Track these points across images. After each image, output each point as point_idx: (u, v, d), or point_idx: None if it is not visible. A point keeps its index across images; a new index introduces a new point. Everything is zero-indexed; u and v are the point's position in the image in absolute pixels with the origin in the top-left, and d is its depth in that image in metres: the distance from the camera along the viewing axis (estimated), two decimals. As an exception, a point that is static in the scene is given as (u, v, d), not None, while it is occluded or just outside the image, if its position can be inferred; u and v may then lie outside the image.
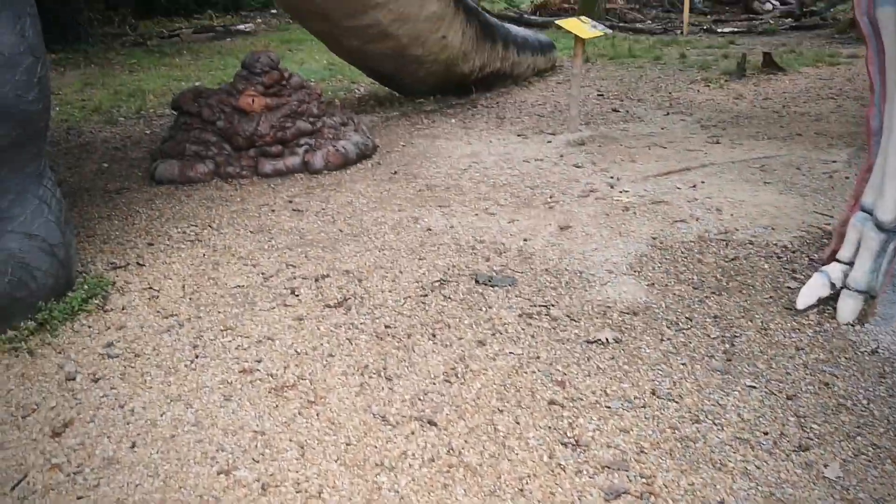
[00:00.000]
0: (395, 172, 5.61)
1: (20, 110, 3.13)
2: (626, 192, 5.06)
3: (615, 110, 7.80)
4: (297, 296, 3.61)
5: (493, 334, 3.22)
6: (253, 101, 5.62)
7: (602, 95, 8.66)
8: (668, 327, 3.24)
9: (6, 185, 3.15)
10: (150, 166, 5.62)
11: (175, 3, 17.61)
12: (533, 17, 16.98)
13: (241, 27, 15.74)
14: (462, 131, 6.90)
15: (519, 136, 6.76)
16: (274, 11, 18.72)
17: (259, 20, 17.61)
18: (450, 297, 3.56)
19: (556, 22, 6.66)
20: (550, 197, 5.00)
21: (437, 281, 3.75)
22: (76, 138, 6.67)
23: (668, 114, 7.53)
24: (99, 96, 8.84)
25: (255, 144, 5.56)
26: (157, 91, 9.18)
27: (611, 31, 7.06)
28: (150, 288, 3.71)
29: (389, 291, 3.65)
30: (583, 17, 6.66)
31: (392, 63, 7.82)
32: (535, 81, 9.67)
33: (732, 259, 3.91)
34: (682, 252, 4.03)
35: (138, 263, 4.00)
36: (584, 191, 5.11)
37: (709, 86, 8.96)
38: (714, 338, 3.15)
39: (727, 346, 3.08)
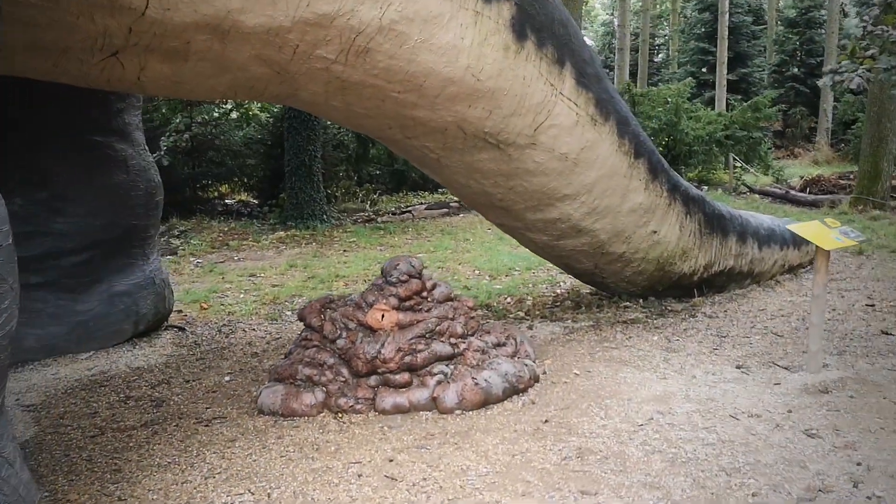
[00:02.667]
0: (546, 421, 4.23)
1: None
2: (881, 499, 3.24)
3: (887, 333, 5.81)
4: None
5: None
6: (383, 316, 4.63)
7: (873, 307, 6.66)
8: None
9: None
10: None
11: (425, 178, 17.95)
12: (800, 195, 14.93)
13: (477, 203, 15.41)
14: (661, 356, 5.36)
15: (738, 367, 5.09)
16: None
17: (500, 195, 17.33)
18: None
19: (790, 227, 5.05)
20: (753, 495, 3.32)
21: None
22: (223, 338, 6.10)
23: (966, 343, 5.43)
24: (293, 282, 8.49)
25: (378, 371, 4.51)
26: (350, 276, 8.66)
27: (864, 237, 5.28)
28: None
29: None
30: (829, 220, 4.99)
31: (590, 261, 6.57)
32: (785, 281, 7.85)
33: None
34: None
35: (137, 557, 2.98)
36: (809, 488, 3.36)
37: None
38: None
39: None
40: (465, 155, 5.54)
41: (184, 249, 10.62)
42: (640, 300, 6.95)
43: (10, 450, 2.71)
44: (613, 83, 27.77)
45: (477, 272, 8.91)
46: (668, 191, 6.39)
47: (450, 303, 4.89)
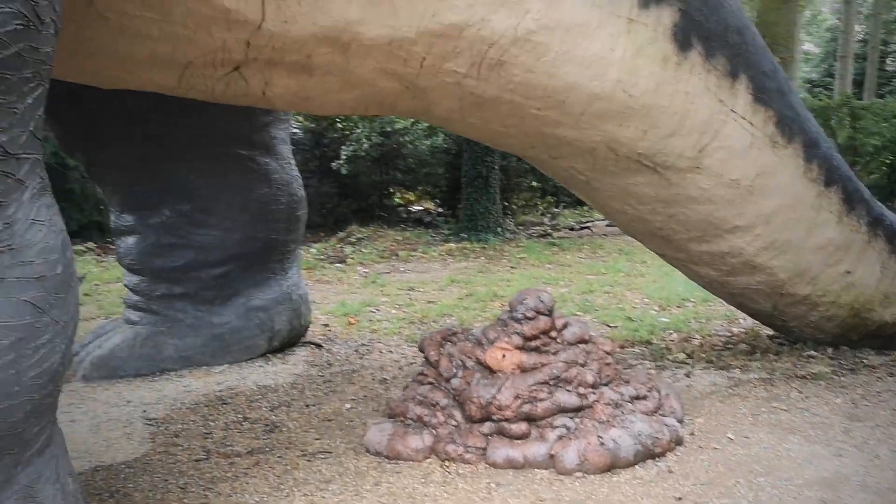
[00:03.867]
0: (681, 499, 3.58)
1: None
2: None
3: None
4: None
5: None
6: (503, 356, 4.19)
7: None
8: None
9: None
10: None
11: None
12: None
13: (663, 221, 14.48)
14: (841, 424, 4.49)
15: (940, 452, 4.13)
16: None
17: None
18: None
19: None
20: None
21: None
22: (358, 359, 5.90)
23: None
24: (448, 299, 8.23)
25: (492, 417, 4.07)
26: (508, 297, 8.22)
27: None
28: None
29: None
30: None
31: (767, 301, 5.73)
32: None
33: None
34: None
35: None
36: None
37: None
38: None
39: None
40: (618, 178, 4.97)
41: (353, 258, 10.72)
42: (829, 349, 5.98)
43: (50, 493, 2.54)
44: (834, 93, 25.23)
45: (646, 301, 8.21)
46: (868, 225, 5.44)
47: (582, 345, 4.35)
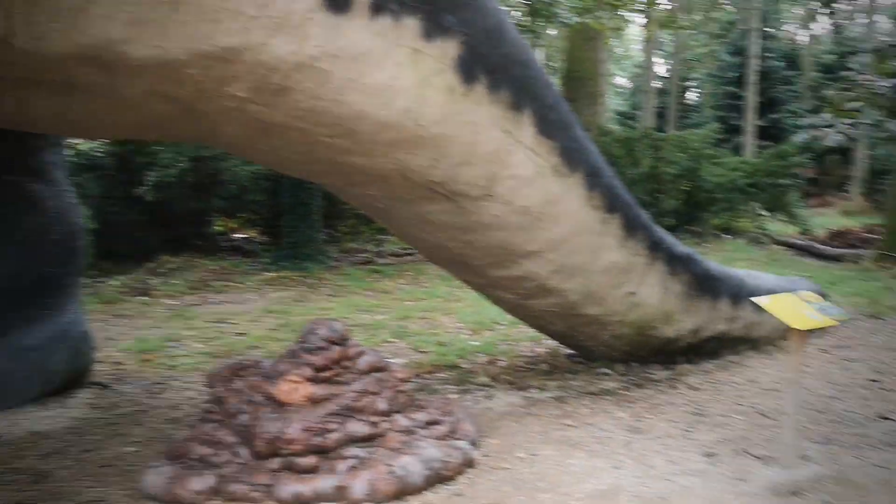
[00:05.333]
0: (465, 522, 3.63)
1: None
2: None
3: (885, 418, 5.10)
4: None
5: None
6: (293, 388, 4.08)
7: (877, 382, 5.94)
8: None
9: None
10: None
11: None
12: (824, 248, 14.12)
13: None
14: (623, 438, 4.72)
15: (706, 455, 4.44)
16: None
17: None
18: None
19: (756, 300, 4.38)
20: None
21: None
22: (149, 399, 5.57)
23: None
24: (259, 330, 7.99)
25: (280, 452, 3.94)
26: (322, 327, 8.12)
27: (848, 315, 4.61)
28: None
29: None
30: (806, 293, 4.35)
31: (563, 323, 5.98)
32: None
33: None
34: None
35: None
36: None
37: None
38: None
39: None
40: (414, 206, 5.02)
41: (160, 290, 10.20)
42: (621, 366, 6.31)
43: None
44: (639, 125, 27.05)
45: (459, 325, 8.35)
46: (648, 249, 5.79)
47: (376, 374, 4.32)
